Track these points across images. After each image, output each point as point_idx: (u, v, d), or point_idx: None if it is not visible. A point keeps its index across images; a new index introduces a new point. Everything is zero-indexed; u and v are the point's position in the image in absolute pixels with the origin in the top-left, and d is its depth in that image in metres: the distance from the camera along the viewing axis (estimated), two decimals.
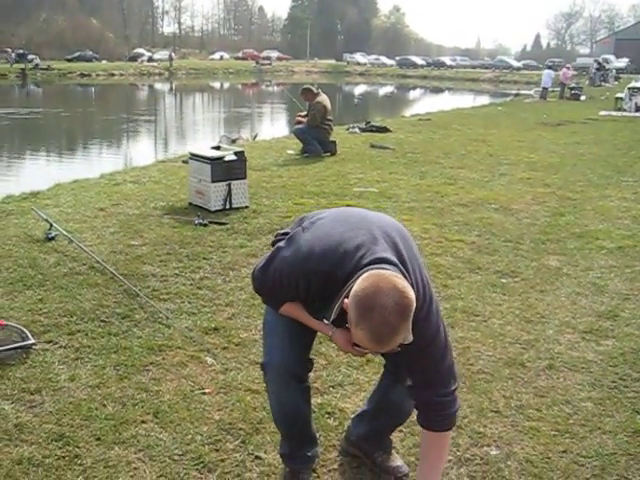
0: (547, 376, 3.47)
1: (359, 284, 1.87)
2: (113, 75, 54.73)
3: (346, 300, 1.90)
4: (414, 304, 1.85)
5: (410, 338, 1.90)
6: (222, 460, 2.72)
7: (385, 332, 1.83)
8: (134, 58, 66.17)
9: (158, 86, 50.18)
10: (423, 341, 2.06)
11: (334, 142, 10.75)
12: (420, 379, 2.19)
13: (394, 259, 1.99)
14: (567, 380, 3.43)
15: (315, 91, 10.65)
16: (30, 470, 2.62)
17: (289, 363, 2.31)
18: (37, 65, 52.19)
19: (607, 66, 44.94)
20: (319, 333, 2.34)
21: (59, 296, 4.36)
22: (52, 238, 5.54)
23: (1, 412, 3.01)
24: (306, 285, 2.09)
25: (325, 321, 2.10)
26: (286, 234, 2.29)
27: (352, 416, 2.89)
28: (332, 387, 3.32)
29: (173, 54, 68.77)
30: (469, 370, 3.51)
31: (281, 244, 2.21)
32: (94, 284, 4.58)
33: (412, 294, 1.85)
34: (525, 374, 3.48)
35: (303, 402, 2.46)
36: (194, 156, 6.88)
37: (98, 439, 2.83)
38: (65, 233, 5.46)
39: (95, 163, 14.26)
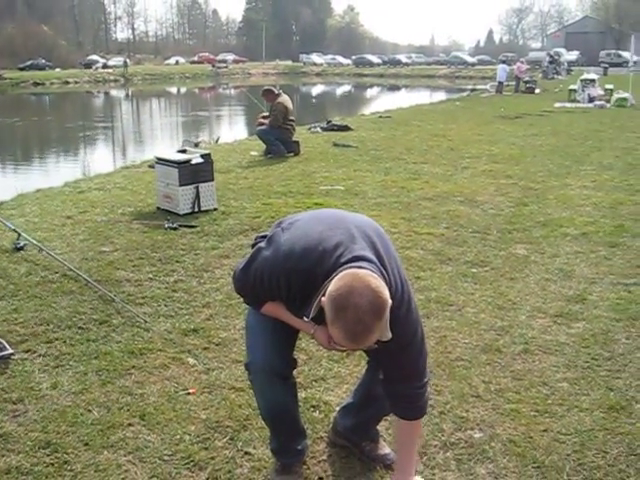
0: (523, 360, 3.57)
1: (334, 283, 1.92)
2: (67, 83, 53.88)
3: (323, 298, 1.95)
4: (388, 303, 1.90)
5: (388, 335, 1.95)
6: (212, 458, 2.74)
7: (359, 330, 1.88)
8: (88, 65, 65.25)
9: (114, 93, 49.59)
10: (403, 339, 2.13)
11: (297, 142, 10.80)
12: (397, 374, 2.26)
13: (372, 257, 2.04)
14: (542, 363, 3.53)
15: (276, 92, 10.68)
16: (19, 479, 2.61)
17: (272, 362, 2.34)
18: None
19: (559, 59, 45.84)
20: (301, 331, 2.39)
21: (33, 305, 4.33)
22: (21, 248, 5.48)
23: None
24: (287, 283, 2.13)
25: (305, 318, 2.14)
26: (264, 236, 2.33)
27: (337, 408, 2.94)
28: (315, 381, 3.37)
29: (128, 60, 68.01)
30: (447, 358, 3.59)
31: (261, 244, 2.25)
32: (68, 292, 4.56)
33: (386, 293, 1.90)
34: (502, 359, 3.58)
35: (289, 399, 2.50)
36: (160, 160, 6.86)
37: (86, 444, 2.83)
38: (35, 242, 5.40)
39: (56, 172, 14.07)
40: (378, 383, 2.48)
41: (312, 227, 2.18)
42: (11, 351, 3.61)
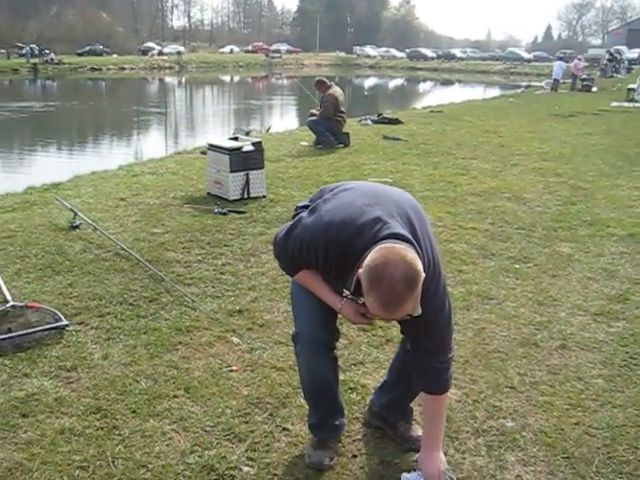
0: (559, 355, 3.61)
1: (371, 256, 2.02)
2: (124, 69, 54.96)
3: (360, 270, 2.05)
4: (422, 276, 1.99)
5: (419, 310, 2.05)
6: (251, 431, 2.87)
7: (393, 300, 1.97)
8: (144, 52, 66.38)
9: (169, 79, 50.39)
10: (431, 313, 2.21)
11: (347, 134, 10.88)
12: (423, 347, 2.36)
13: (408, 235, 2.13)
14: (579, 359, 3.56)
15: (328, 83, 10.77)
16: (72, 439, 2.78)
17: (318, 333, 2.48)
18: (52, 59, 52.45)
19: (619, 57, 44.73)
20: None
21: (87, 281, 4.54)
22: (76, 226, 5.72)
23: (41, 387, 3.18)
24: (324, 253, 2.22)
25: (345, 292, 2.25)
26: (306, 206, 2.43)
27: (374, 391, 3.04)
28: (354, 365, 3.47)
29: (182, 48, 69.06)
30: (484, 349, 3.65)
31: (303, 214, 2.34)
32: (120, 270, 4.75)
33: (420, 266, 2.00)
34: (538, 353, 3.62)
35: (331, 371, 2.62)
36: (212, 147, 7.03)
37: (134, 412, 3.00)
38: (89, 221, 5.63)
39: (110, 155, 14.46)
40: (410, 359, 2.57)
41: (353, 200, 2.26)
42: (66, 322, 3.81)
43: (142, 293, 4.35)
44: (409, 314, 2.04)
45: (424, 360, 2.37)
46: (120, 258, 4.98)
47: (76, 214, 5.79)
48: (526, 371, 3.42)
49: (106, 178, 8.25)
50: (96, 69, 52.57)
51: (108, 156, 14.36)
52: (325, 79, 11.00)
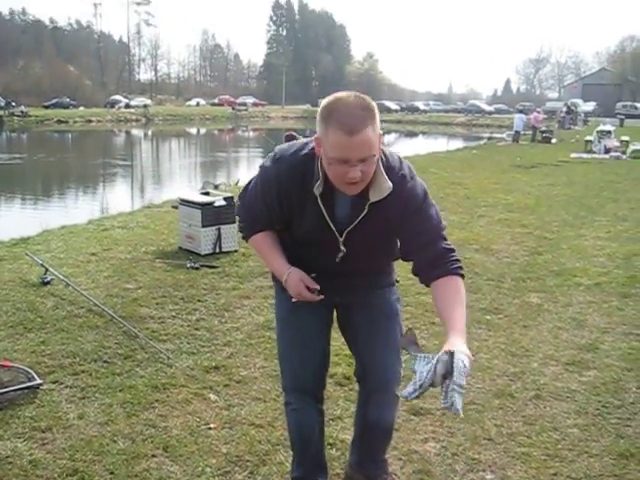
0: (535, 405, 3.67)
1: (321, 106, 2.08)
2: (90, 122, 54.99)
3: (316, 146, 2.12)
4: (374, 104, 2.05)
5: (389, 185, 2.13)
6: None
7: (353, 122, 1.98)
8: (111, 104, 66.66)
9: (135, 132, 50.52)
10: (416, 200, 2.23)
11: None
12: (425, 239, 2.24)
13: None
14: (554, 409, 3.62)
15: (297, 137, 10.95)
16: None
17: (304, 383, 2.56)
18: (23, 112, 52.35)
19: (575, 110, 46.26)
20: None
21: (60, 338, 4.49)
22: (48, 282, 5.67)
23: (15, 450, 3.12)
24: (277, 183, 2.24)
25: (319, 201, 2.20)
26: None
27: None
28: (332, 420, 3.47)
29: (149, 101, 69.54)
30: None
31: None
32: (94, 326, 4.72)
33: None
34: (514, 404, 3.67)
35: (317, 423, 2.66)
36: (184, 201, 7.08)
37: (112, 473, 2.95)
38: (61, 277, 5.59)
39: (79, 208, 14.41)
40: (368, 405, 2.61)
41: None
42: (40, 381, 3.76)
43: (117, 350, 4.31)
44: (367, 156, 2.02)
45: (433, 249, 2.23)
46: (93, 314, 4.94)
47: (47, 269, 5.75)
48: (503, 422, 3.46)
49: (76, 232, 8.21)
50: (63, 122, 52.51)
51: (76, 209, 14.32)
52: (294, 133, 11.17)
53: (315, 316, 2.51)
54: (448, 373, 1.90)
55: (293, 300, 2.38)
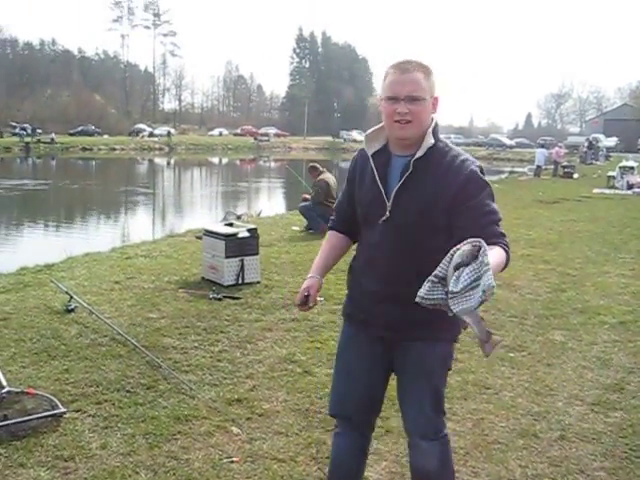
0: (560, 446, 3.61)
1: None
2: (114, 149, 55.84)
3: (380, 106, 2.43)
4: (433, 71, 2.35)
5: (431, 142, 2.34)
6: None
7: (406, 65, 2.32)
8: (135, 133, 67.67)
9: (158, 160, 51.14)
10: (478, 183, 2.35)
11: None
12: (482, 222, 2.26)
13: None
14: (579, 450, 3.57)
15: (320, 169, 11.04)
16: None
17: (346, 412, 2.62)
18: (52, 139, 53.47)
19: (597, 145, 46.16)
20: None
21: (84, 366, 4.52)
22: (72, 310, 5.72)
23: (37, 478, 3.14)
24: (354, 161, 2.60)
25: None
26: None
27: None
28: None
29: (172, 130, 70.53)
30: (484, 440, 3.65)
31: None
32: (117, 355, 4.74)
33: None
34: (538, 444, 3.62)
35: (354, 451, 2.67)
36: (208, 232, 7.13)
37: None
38: (85, 305, 5.64)
39: (102, 236, 14.56)
40: (414, 452, 2.55)
41: None
42: (63, 410, 3.78)
43: (139, 380, 4.33)
44: (415, 95, 2.29)
45: (487, 231, 2.21)
46: (116, 343, 4.97)
47: (72, 297, 5.81)
48: (527, 463, 3.41)
49: (99, 260, 8.29)
50: (87, 149, 53.43)
51: (99, 236, 14.46)
52: (317, 165, 11.27)
53: (366, 350, 2.56)
54: (467, 260, 1.94)
55: (296, 303, 2.57)
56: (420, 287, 2.05)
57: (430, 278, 2.00)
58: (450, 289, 1.96)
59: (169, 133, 66.18)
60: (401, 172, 2.38)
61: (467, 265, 1.94)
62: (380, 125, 2.48)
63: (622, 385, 4.50)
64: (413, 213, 2.35)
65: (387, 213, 2.38)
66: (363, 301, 2.54)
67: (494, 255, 2.11)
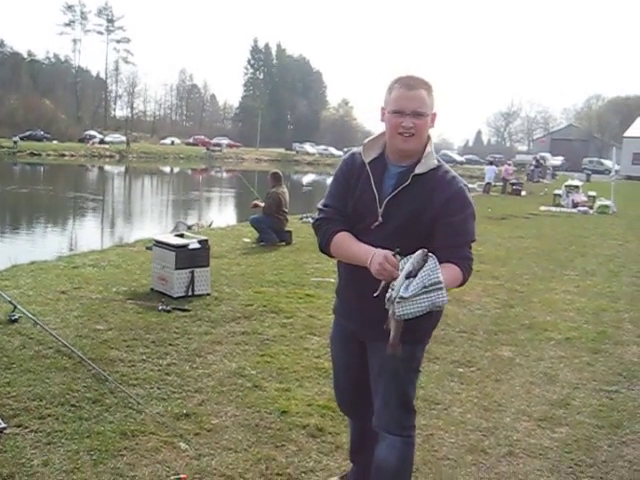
0: (508, 462, 3.65)
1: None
2: (64, 155, 54.72)
3: (381, 115, 2.61)
4: (432, 84, 2.54)
5: (433, 162, 2.55)
6: None
7: (412, 82, 2.50)
8: (85, 139, 66.46)
9: (108, 168, 50.31)
10: (463, 201, 2.58)
11: (289, 232, 11.04)
12: (455, 241, 2.55)
13: None
14: (527, 466, 3.61)
15: (281, 181, 11.00)
16: None
17: (342, 402, 3.08)
18: (15, 143, 52.20)
19: (544, 163, 47.28)
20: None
21: (27, 379, 4.37)
22: (15, 320, 5.55)
23: None
24: (344, 164, 2.73)
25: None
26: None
27: None
28: (304, 473, 3.42)
29: (124, 138, 69.56)
30: (434, 457, 3.66)
31: None
32: (62, 368, 4.61)
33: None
34: (487, 460, 3.66)
35: (358, 429, 3.07)
36: (158, 243, 7.02)
37: None
38: (30, 315, 5.47)
39: (47, 243, 14.30)
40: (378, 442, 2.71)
41: None
42: (3, 425, 3.65)
43: (85, 394, 4.21)
44: (419, 110, 2.48)
45: (455, 252, 2.55)
46: (62, 355, 4.83)
47: (15, 307, 5.62)
48: (476, 479, 3.43)
49: (46, 269, 8.08)
50: (36, 154, 52.19)
51: (45, 244, 14.15)
52: (281, 174, 11.20)
53: (346, 344, 2.88)
54: (417, 266, 2.29)
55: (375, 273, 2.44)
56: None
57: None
58: (400, 294, 2.25)
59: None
60: (396, 182, 2.55)
61: (416, 274, 2.27)
62: (377, 134, 2.66)
63: (567, 401, 4.59)
64: (402, 221, 2.53)
65: (379, 219, 2.55)
66: (347, 299, 2.77)
67: (449, 272, 2.44)
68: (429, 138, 2.60)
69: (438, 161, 2.58)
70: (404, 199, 2.53)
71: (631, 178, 52.44)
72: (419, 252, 2.31)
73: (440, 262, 2.39)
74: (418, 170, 2.54)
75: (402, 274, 2.29)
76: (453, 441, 3.87)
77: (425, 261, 2.28)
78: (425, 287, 2.26)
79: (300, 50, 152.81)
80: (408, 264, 2.28)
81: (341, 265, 2.79)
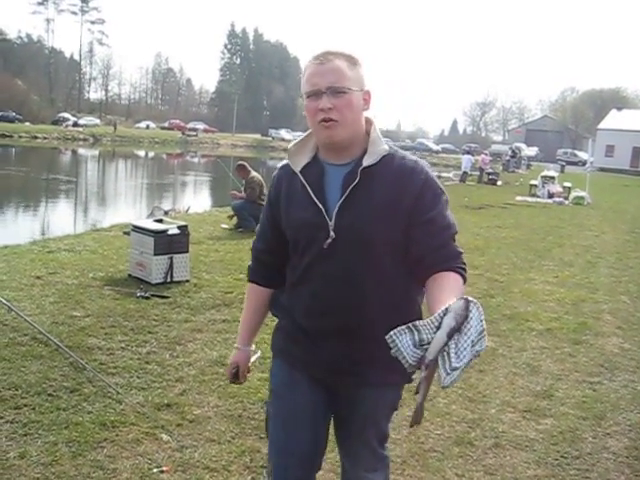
0: (494, 454, 3.62)
1: None
2: (36, 138, 53.71)
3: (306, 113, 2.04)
4: (359, 58, 2.02)
5: (385, 148, 2.01)
6: None
7: (325, 54, 1.97)
8: (59, 122, 65.42)
9: (82, 151, 49.56)
10: (434, 191, 2.01)
11: None
12: (437, 242, 1.98)
13: None
14: (513, 458, 3.59)
15: (248, 168, 10.90)
16: None
17: (288, 467, 2.16)
18: None
19: (520, 154, 47.56)
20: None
21: (1, 368, 4.25)
22: None
23: None
24: (274, 180, 2.18)
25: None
26: None
27: None
28: None
29: (98, 121, 68.72)
30: (421, 448, 3.62)
31: None
32: (38, 356, 4.48)
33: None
34: (474, 452, 3.62)
35: None
36: (137, 228, 6.88)
37: None
38: (4, 301, 5.32)
39: (22, 228, 13.94)
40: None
41: None
42: None
43: (62, 383, 4.10)
44: (337, 85, 1.94)
45: (449, 251, 2.00)
46: (38, 343, 4.70)
47: None
48: (464, 472, 3.40)
49: (19, 253, 7.90)
50: (7, 136, 51.17)
51: (18, 228, 13.85)
52: (246, 164, 11.10)
53: (306, 397, 2.15)
54: (460, 319, 1.64)
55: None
56: (382, 318, 1.92)
57: (408, 325, 1.72)
58: (452, 364, 1.67)
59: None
60: (343, 183, 2.00)
61: (459, 329, 1.65)
62: (304, 135, 2.14)
63: (551, 392, 4.57)
64: (364, 229, 1.99)
65: (331, 234, 1.99)
66: (300, 337, 2.13)
67: (454, 290, 1.89)
68: (370, 122, 2.06)
69: (389, 146, 2.05)
70: (359, 201, 1.98)
71: (604, 170, 53.07)
72: (460, 302, 1.67)
73: (435, 272, 1.94)
74: (367, 162, 1.99)
75: (442, 332, 1.66)
76: (439, 433, 3.83)
77: (469, 311, 1.67)
78: (473, 343, 1.68)
79: (277, 35, 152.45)
80: (448, 319, 1.66)
81: (301, 286, 2.13)
